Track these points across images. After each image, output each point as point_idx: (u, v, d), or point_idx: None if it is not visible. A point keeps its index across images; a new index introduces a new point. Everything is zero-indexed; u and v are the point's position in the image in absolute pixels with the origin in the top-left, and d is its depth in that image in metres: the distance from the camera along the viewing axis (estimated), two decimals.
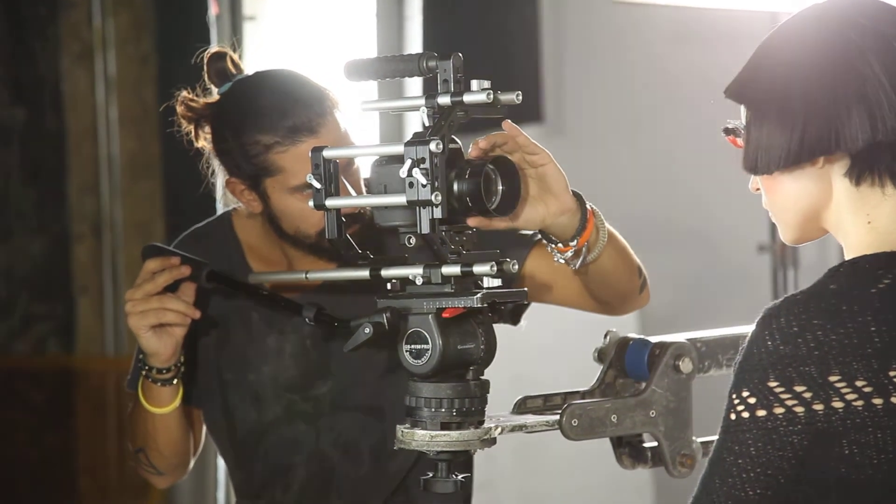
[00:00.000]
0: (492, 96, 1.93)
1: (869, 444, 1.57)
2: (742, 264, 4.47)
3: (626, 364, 2.12)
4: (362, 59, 2.01)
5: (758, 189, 1.75)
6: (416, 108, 1.93)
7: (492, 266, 1.88)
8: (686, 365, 2.08)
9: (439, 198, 1.86)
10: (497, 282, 1.91)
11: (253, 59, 4.00)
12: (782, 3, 3.97)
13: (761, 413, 1.57)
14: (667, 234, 4.84)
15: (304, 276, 2.24)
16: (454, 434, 1.90)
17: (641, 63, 4.90)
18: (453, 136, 1.95)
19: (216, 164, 2.31)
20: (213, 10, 4.01)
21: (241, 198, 2.29)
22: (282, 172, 2.21)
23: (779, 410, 1.57)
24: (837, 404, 1.56)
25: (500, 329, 1.97)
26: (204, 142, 2.30)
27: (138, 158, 5.30)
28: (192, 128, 2.30)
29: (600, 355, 2.15)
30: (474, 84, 1.93)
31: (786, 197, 1.69)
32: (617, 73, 4.96)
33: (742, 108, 1.72)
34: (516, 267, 1.90)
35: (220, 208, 2.44)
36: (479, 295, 1.88)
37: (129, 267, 5.22)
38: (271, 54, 4.03)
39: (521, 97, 1.95)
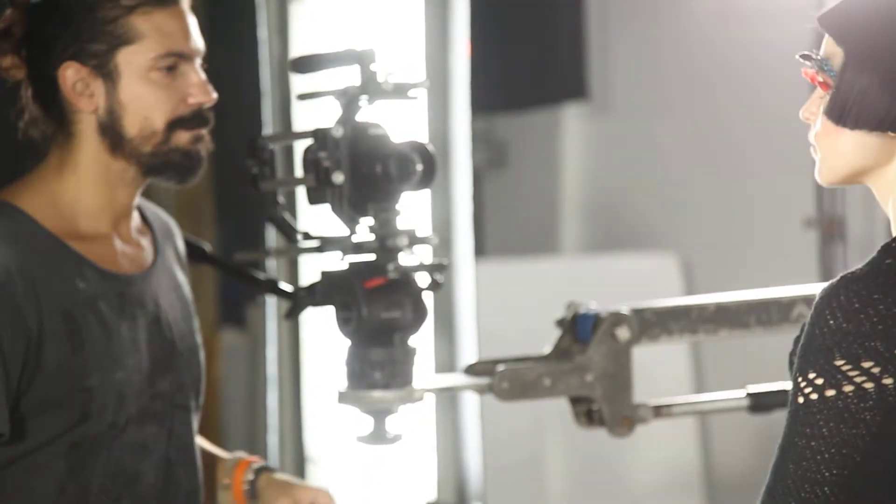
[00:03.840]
0: (390, 85, 2.15)
1: None
2: (788, 239, 4.46)
3: (577, 332, 2.30)
4: (306, 55, 2.28)
5: (808, 119, 1.71)
6: (332, 94, 2.17)
7: (401, 239, 2.14)
8: (623, 333, 2.28)
9: (341, 178, 2.10)
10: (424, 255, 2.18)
11: (300, 41, 4.01)
12: None
13: (830, 393, 1.56)
14: (712, 209, 4.83)
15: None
16: (378, 394, 2.14)
17: (687, 39, 4.88)
18: (378, 123, 2.18)
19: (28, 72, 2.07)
20: None
21: (75, 92, 2.05)
22: (142, 39, 2.06)
23: (848, 388, 1.56)
24: None
25: None
26: (12, 66, 2.07)
27: None
28: None
29: (560, 324, 2.33)
30: (380, 74, 2.17)
31: (845, 146, 1.67)
32: (662, 50, 4.94)
33: (823, 42, 1.67)
34: (434, 241, 2.13)
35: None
36: (392, 267, 2.13)
37: None
38: (318, 36, 4.04)
39: (428, 83, 2.25)
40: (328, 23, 4.10)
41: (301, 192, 2.33)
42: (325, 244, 2.26)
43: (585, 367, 2.27)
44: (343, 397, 2.21)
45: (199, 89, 2.09)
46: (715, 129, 4.84)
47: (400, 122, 2.35)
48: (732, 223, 4.79)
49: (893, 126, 1.62)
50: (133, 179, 2.11)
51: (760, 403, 2.41)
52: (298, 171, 2.25)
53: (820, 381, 1.57)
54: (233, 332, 5.27)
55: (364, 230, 2.20)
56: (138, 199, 2.19)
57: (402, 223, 2.21)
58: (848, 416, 1.56)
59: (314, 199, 2.20)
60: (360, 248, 2.19)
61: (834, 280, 1.61)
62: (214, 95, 2.10)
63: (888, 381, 1.56)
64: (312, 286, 2.27)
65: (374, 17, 4.09)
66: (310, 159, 2.16)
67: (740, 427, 3.89)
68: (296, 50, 3.99)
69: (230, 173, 2.44)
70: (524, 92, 5.02)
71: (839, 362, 1.56)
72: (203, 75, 2.09)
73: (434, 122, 4.18)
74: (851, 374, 1.56)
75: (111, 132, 2.07)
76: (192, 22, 2.10)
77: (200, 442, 2.31)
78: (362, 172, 2.16)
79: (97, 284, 2.06)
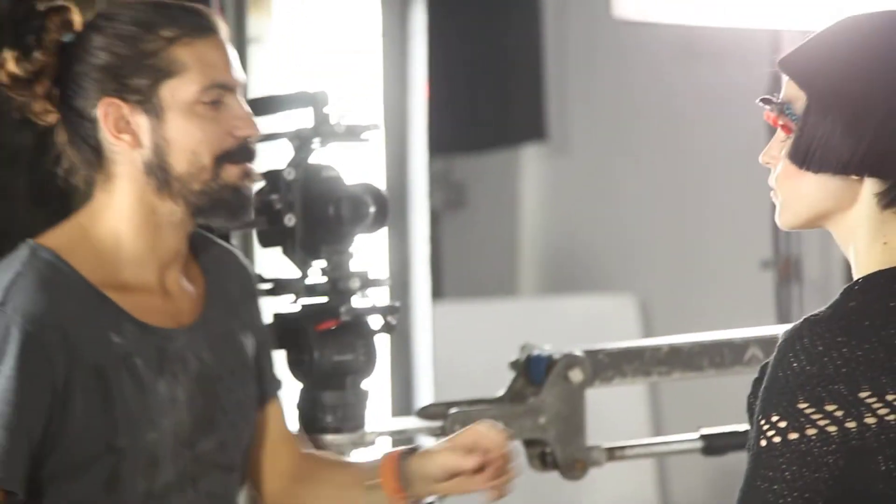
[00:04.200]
0: (342, 127, 2.16)
1: None
2: (745, 280, 4.48)
3: (530, 374, 2.31)
4: (260, 97, 2.32)
5: (769, 163, 1.69)
6: (285, 137, 2.17)
7: (353, 282, 2.14)
8: (576, 375, 2.27)
9: (293, 220, 2.09)
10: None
11: (258, 81, 4.00)
12: (785, 21, 3.98)
13: (793, 436, 1.55)
14: (670, 251, 4.85)
15: None
16: (330, 437, 2.16)
17: (645, 81, 4.91)
18: (331, 165, 2.17)
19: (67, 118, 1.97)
20: None
21: (116, 130, 1.94)
22: (186, 71, 1.94)
23: (811, 432, 1.54)
24: (870, 420, 1.54)
25: None
26: (44, 110, 1.97)
27: None
28: (25, 94, 1.96)
29: (513, 366, 2.34)
30: (333, 117, 2.17)
31: (806, 191, 1.65)
32: (620, 91, 4.97)
33: (784, 86, 1.66)
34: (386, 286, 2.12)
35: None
36: (344, 310, 2.11)
37: None
38: (276, 75, 4.04)
39: (377, 126, 2.24)
40: (287, 64, 4.10)
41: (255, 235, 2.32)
42: (278, 287, 2.25)
43: (538, 410, 2.28)
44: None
45: (244, 122, 1.97)
46: (673, 171, 4.86)
47: (357, 164, 2.35)
48: (690, 265, 4.80)
49: (857, 169, 1.61)
50: (181, 222, 1.96)
51: (714, 446, 2.41)
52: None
53: (783, 424, 1.55)
54: None
55: (316, 272, 2.19)
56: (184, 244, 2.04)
57: (354, 265, 2.21)
58: (811, 460, 1.54)
59: (266, 241, 2.20)
60: (312, 290, 2.19)
61: (797, 322, 1.59)
62: (259, 129, 2.01)
63: (851, 424, 1.54)
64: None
65: (333, 58, 4.10)
66: (262, 201, 2.15)
67: (697, 465, 3.88)
68: (254, 91, 3.99)
69: None
70: (483, 133, 5.04)
71: (802, 405, 1.55)
72: (247, 107, 2.00)
73: (392, 163, 4.18)
74: (814, 417, 1.54)
75: (158, 170, 1.94)
76: (232, 52, 2.00)
77: (320, 457, 2.15)
78: (314, 215, 2.16)
79: (134, 339, 1.92)
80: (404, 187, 4.23)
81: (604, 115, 5.01)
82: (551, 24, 5.11)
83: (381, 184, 4.12)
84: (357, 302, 2.20)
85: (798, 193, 1.67)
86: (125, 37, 1.93)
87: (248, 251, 3.85)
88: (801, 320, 1.59)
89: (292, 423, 2.14)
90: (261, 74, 4.06)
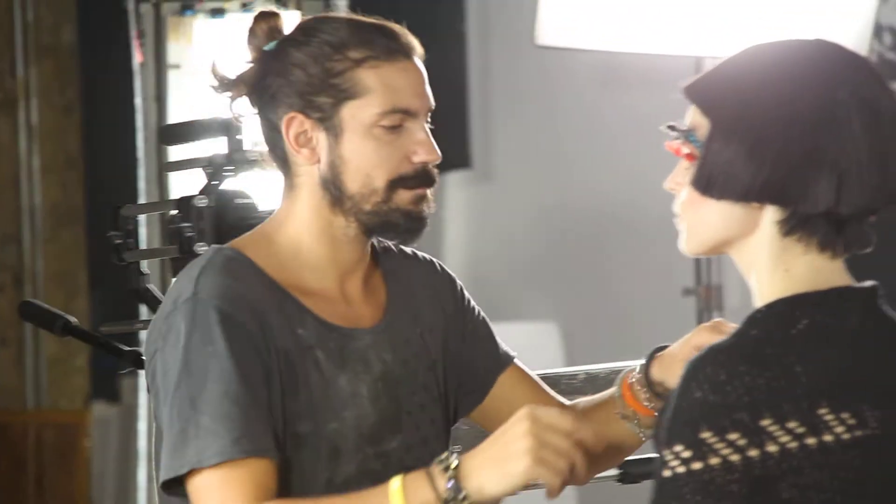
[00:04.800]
0: (255, 155, 2.09)
1: (807, 486, 1.55)
2: (667, 307, 4.49)
3: None
4: (173, 124, 2.34)
5: (674, 189, 1.70)
6: (199, 166, 2.16)
7: None
8: None
9: (204, 248, 2.08)
10: None
11: (177, 108, 3.97)
12: (707, 48, 4.01)
13: (697, 466, 1.54)
14: (592, 278, 4.85)
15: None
16: None
17: (568, 107, 4.93)
18: (245, 192, 2.15)
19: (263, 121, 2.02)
20: (137, 59, 3.99)
21: (297, 143, 1.97)
22: (368, 94, 1.95)
23: (714, 461, 1.54)
24: (772, 448, 1.55)
25: None
26: (243, 107, 2.03)
27: (61, 207, 5.26)
28: (228, 96, 2.04)
29: None
30: (247, 143, 2.14)
31: (710, 217, 1.66)
32: (544, 118, 4.98)
33: (690, 113, 1.67)
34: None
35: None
36: None
37: None
38: (196, 102, 4.01)
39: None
40: (208, 89, 4.07)
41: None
42: None
43: (456, 439, 2.25)
44: None
45: (424, 148, 1.98)
46: (596, 198, 4.88)
47: (271, 189, 2.32)
48: (613, 292, 4.81)
49: (758, 196, 1.62)
50: (356, 237, 1.99)
51: (630, 473, 2.40)
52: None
53: (687, 454, 1.55)
54: (104, 405, 5.19)
55: None
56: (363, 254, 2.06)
57: None
58: (714, 489, 1.54)
59: (178, 269, 2.16)
60: None
61: (700, 352, 1.60)
62: (439, 154, 2.00)
63: (754, 452, 1.55)
64: None
65: None
66: (173, 229, 2.13)
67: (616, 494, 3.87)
68: (174, 118, 3.96)
69: (104, 243, 2.37)
70: None
71: (706, 434, 1.55)
72: (429, 133, 1.99)
73: None
74: (718, 446, 1.54)
75: (332, 187, 1.97)
76: (423, 77, 2.00)
77: (575, 405, 2.13)
78: (227, 242, 2.13)
79: (316, 333, 1.95)
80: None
81: (527, 142, 5.01)
82: (475, 51, 5.12)
83: None
84: None
85: (701, 220, 1.68)
86: (316, 55, 1.96)
87: (165, 280, 3.82)
88: (705, 349, 1.59)
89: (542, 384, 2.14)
90: (181, 100, 4.03)
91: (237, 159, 2.16)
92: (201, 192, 2.14)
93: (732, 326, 1.91)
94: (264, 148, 2.01)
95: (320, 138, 1.96)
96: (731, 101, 1.63)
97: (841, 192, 1.59)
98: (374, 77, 1.95)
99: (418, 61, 1.99)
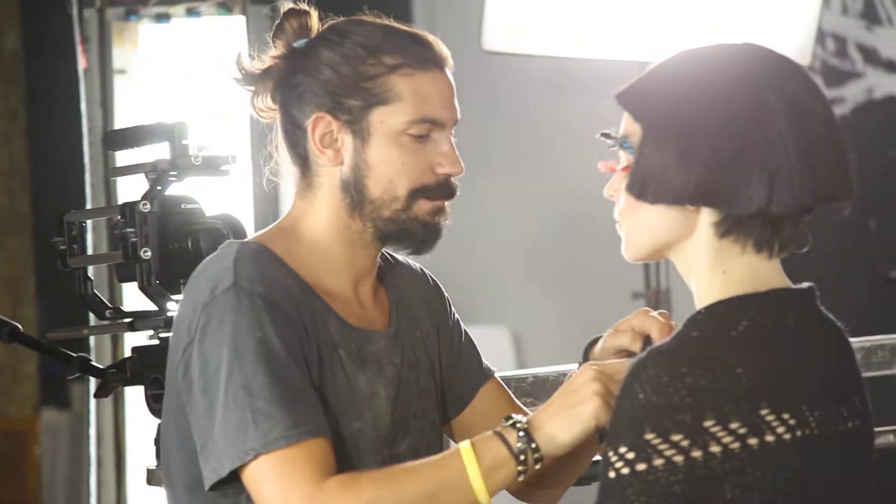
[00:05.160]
0: (199, 160, 2.15)
1: (750, 486, 1.57)
2: (616, 311, 4.50)
3: None
4: (116, 130, 2.34)
5: (612, 195, 1.72)
6: (143, 171, 2.18)
7: None
8: None
9: (148, 253, 2.10)
10: None
11: (123, 113, 3.95)
12: (653, 53, 4.03)
13: (641, 467, 1.56)
14: (542, 282, 4.86)
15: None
16: None
17: (516, 113, 4.93)
18: (190, 197, 2.16)
19: (284, 122, 2.00)
20: (81, 64, 3.97)
21: (322, 144, 1.97)
22: (399, 101, 1.95)
23: (658, 462, 1.56)
24: (715, 449, 1.56)
25: None
26: (265, 108, 2.02)
27: (7, 214, 5.23)
28: (252, 89, 2.03)
29: None
30: (192, 148, 2.15)
31: (647, 222, 1.68)
32: (491, 123, 4.98)
33: (624, 121, 1.69)
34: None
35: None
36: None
37: None
38: (142, 108, 3.99)
39: (235, 159, 2.19)
40: (155, 95, 4.05)
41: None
42: (137, 321, 2.21)
43: None
44: (152, 477, 2.16)
45: (448, 159, 1.98)
46: (544, 202, 4.89)
47: (226, 196, 2.32)
48: (562, 296, 4.82)
49: (692, 199, 1.64)
50: (371, 242, 2.00)
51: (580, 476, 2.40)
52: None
53: (631, 456, 1.57)
54: (54, 412, 5.16)
55: (175, 306, 2.15)
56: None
57: None
58: (658, 490, 1.56)
59: (123, 275, 2.16)
60: (171, 324, 2.14)
61: (642, 354, 1.61)
62: (463, 168, 1.99)
63: (697, 453, 1.56)
64: (123, 363, 2.22)
65: (198, 89, 4.06)
66: (117, 234, 2.12)
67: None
68: (120, 122, 3.94)
69: (51, 250, 2.36)
70: None
71: (649, 436, 1.56)
72: (454, 146, 1.99)
73: (261, 194, 4.15)
74: (661, 447, 1.56)
75: (353, 190, 1.97)
76: (453, 89, 2.00)
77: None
78: (171, 248, 2.13)
79: (339, 333, 1.95)
80: (275, 218, 4.20)
81: (473, 147, 5.00)
82: None
83: (251, 216, 4.11)
84: None
85: (639, 225, 1.70)
86: (350, 57, 1.96)
87: (113, 286, 3.80)
88: (647, 352, 1.61)
89: (511, 401, 2.15)
90: (127, 106, 4.01)
91: (181, 164, 2.15)
92: (144, 198, 2.14)
93: (654, 314, 1.94)
94: (282, 143, 2.00)
95: (346, 140, 1.96)
96: (661, 107, 1.65)
97: (772, 192, 1.60)
98: (406, 85, 1.95)
99: (449, 73, 2.00)
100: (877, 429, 2.46)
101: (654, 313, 1.94)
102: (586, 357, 2.05)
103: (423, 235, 1.99)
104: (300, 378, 1.85)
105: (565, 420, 1.79)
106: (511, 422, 1.81)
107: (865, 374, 2.70)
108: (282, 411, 1.81)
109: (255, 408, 1.80)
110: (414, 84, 1.95)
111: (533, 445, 1.79)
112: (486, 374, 2.15)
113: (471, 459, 1.79)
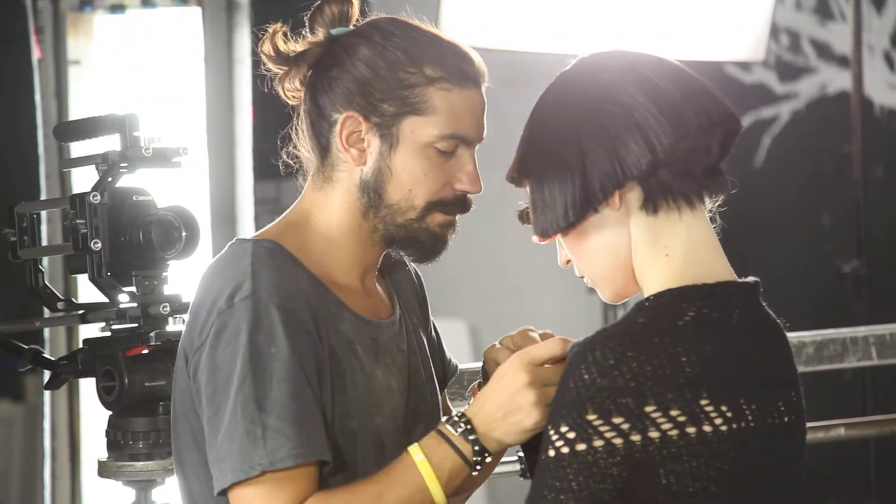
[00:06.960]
0: (150, 151, 2.15)
1: (684, 473, 1.59)
2: (573, 303, 4.52)
3: None
4: (67, 122, 2.32)
5: (568, 262, 1.76)
6: (94, 163, 2.17)
7: (163, 307, 2.13)
8: None
9: (98, 245, 2.10)
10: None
11: (78, 105, 3.94)
12: (608, 47, 4.04)
13: (581, 447, 1.58)
14: (499, 275, 4.87)
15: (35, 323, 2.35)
16: (139, 465, 2.15)
17: None
18: (142, 189, 2.17)
19: (309, 113, 1.99)
20: (35, 55, 3.95)
21: (348, 142, 1.96)
22: (433, 114, 1.95)
23: (598, 443, 1.58)
24: (654, 434, 1.58)
25: None
26: (294, 90, 2.00)
27: None
28: (282, 70, 2.00)
29: None
30: (143, 139, 2.16)
31: (593, 252, 1.72)
32: None
33: (527, 191, 1.74)
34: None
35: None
36: (153, 334, 2.12)
37: None
38: (97, 99, 3.98)
39: (187, 151, 2.19)
40: (110, 86, 4.04)
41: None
42: (89, 313, 2.20)
43: None
44: (104, 469, 2.16)
45: (469, 178, 2.01)
46: (502, 197, 4.89)
47: (179, 188, 2.32)
48: (520, 290, 4.83)
49: (587, 203, 1.67)
50: (379, 242, 2.00)
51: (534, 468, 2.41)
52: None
53: (572, 435, 1.59)
54: (8, 404, 5.12)
55: (127, 298, 2.15)
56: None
57: (166, 290, 2.17)
58: (596, 471, 1.58)
59: (73, 267, 2.15)
60: (123, 315, 2.14)
61: (589, 336, 1.63)
62: (482, 187, 2.03)
63: (636, 437, 1.58)
64: (74, 355, 2.21)
65: (154, 81, 4.05)
66: (68, 226, 2.12)
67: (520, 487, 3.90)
68: (75, 114, 3.93)
69: (2, 241, 2.35)
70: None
71: (591, 416, 1.58)
72: (476, 164, 2.02)
73: (218, 187, 4.14)
74: (602, 429, 1.58)
75: (371, 192, 1.96)
76: (485, 107, 2.01)
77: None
78: (122, 240, 2.12)
79: (354, 328, 1.95)
80: (232, 209, 4.20)
81: None
82: None
83: (207, 208, 4.11)
84: (170, 327, 2.16)
85: (590, 261, 1.74)
86: (390, 60, 1.94)
87: (68, 278, 3.78)
88: (594, 333, 1.62)
89: None
90: (82, 97, 3.99)
91: (132, 156, 2.14)
92: (94, 189, 2.13)
93: (534, 335, 1.95)
94: (305, 130, 1.99)
95: (373, 143, 1.95)
96: (528, 156, 1.73)
97: (651, 141, 1.65)
98: (442, 99, 1.95)
99: (484, 91, 2.01)
100: (826, 422, 2.49)
101: (535, 334, 1.95)
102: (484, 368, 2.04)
103: (431, 246, 2.00)
104: (310, 396, 1.85)
105: (511, 429, 1.81)
106: (460, 428, 1.83)
107: (818, 368, 2.74)
108: (291, 429, 1.81)
109: (266, 423, 1.81)
110: (450, 99, 1.95)
111: (486, 454, 1.82)
112: (453, 370, 2.19)
113: (430, 474, 1.82)
